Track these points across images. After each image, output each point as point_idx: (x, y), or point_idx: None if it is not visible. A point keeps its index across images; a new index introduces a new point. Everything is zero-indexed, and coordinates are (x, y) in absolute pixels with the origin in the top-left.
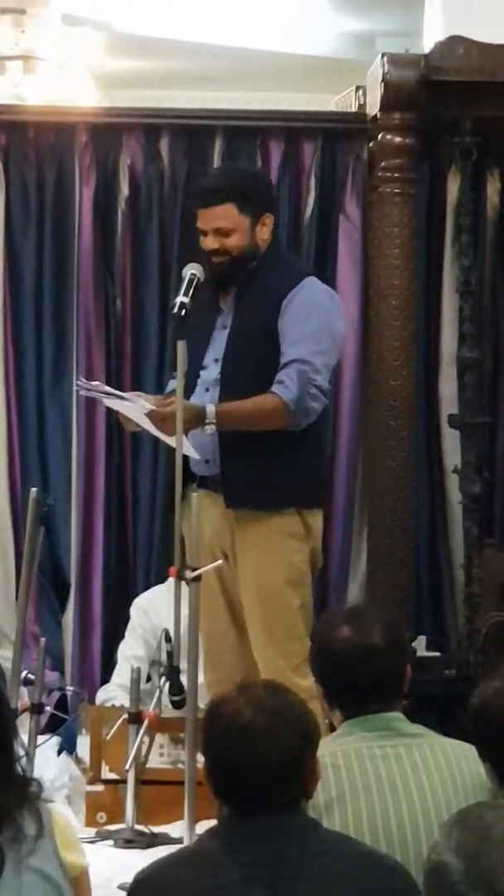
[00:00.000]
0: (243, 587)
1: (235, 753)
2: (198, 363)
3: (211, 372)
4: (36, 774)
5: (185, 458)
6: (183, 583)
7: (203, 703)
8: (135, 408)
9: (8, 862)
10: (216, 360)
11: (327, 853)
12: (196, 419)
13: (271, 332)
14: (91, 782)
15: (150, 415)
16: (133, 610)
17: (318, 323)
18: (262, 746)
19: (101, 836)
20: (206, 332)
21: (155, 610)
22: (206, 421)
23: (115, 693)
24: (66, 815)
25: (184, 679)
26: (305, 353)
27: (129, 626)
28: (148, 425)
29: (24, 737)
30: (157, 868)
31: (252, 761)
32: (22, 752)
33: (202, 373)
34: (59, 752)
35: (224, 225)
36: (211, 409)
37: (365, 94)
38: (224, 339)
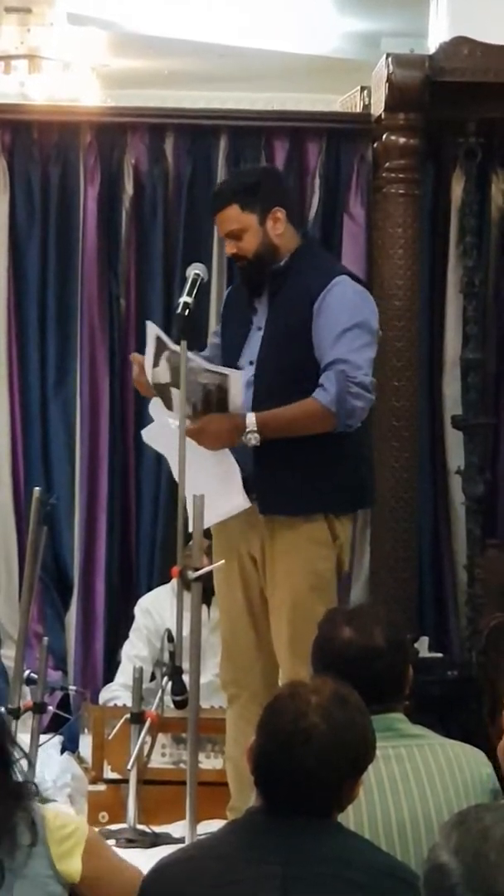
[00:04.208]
0: (271, 592)
1: (284, 752)
2: (232, 365)
3: (245, 374)
4: (38, 774)
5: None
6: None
7: (206, 703)
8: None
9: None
10: (251, 363)
11: (344, 859)
12: (235, 430)
13: (304, 335)
14: (93, 782)
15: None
16: (137, 610)
17: (351, 321)
18: (311, 755)
19: (103, 836)
20: (242, 334)
21: (159, 610)
22: (248, 430)
23: (118, 692)
24: (61, 812)
25: (186, 679)
26: (342, 352)
27: (133, 626)
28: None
29: (27, 736)
30: (173, 860)
31: (297, 765)
32: (19, 755)
33: None
34: (62, 751)
35: (233, 227)
36: (251, 417)
37: (370, 95)
38: (258, 340)
